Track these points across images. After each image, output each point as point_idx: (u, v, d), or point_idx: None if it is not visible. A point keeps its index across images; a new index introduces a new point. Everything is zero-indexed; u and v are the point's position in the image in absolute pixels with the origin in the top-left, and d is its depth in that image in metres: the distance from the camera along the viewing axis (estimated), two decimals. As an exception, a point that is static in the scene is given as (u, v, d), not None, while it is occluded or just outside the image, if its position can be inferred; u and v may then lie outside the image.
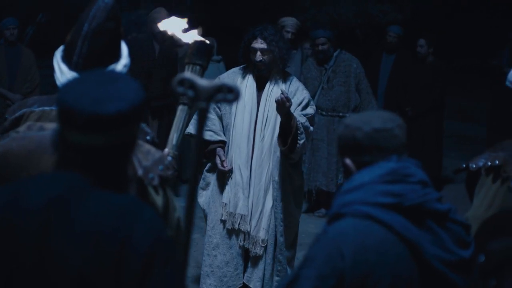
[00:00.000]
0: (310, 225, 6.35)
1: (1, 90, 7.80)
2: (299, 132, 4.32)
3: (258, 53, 4.42)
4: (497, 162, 2.97)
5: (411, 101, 7.93)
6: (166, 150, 2.67)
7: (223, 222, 4.53)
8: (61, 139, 1.81)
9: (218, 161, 4.51)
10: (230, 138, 4.51)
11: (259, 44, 4.42)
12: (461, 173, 3.05)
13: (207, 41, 2.91)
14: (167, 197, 2.28)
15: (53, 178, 1.83)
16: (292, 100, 4.29)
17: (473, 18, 12.61)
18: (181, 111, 2.80)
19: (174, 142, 2.76)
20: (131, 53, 2.46)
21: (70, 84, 1.85)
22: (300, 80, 6.79)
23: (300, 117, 4.39)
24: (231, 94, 1.89)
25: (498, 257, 2.01)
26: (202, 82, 1.90)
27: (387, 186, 2.10)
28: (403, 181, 2.12)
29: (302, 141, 4.35)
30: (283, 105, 4.16)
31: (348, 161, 2.22)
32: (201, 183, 4.65)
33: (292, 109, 4.34)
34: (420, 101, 7.88)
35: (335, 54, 7.05)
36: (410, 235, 2.07)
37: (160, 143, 2.65)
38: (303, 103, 4.50)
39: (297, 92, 4.52)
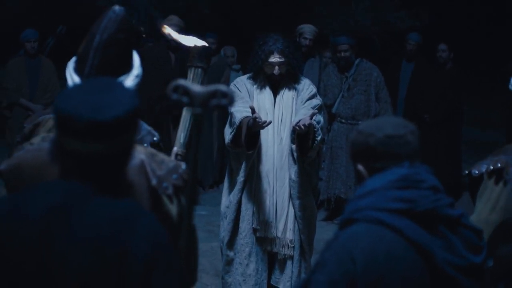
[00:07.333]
0: (328, 233, 6.33)
1: (22, 101, 7.86)
2: (315, 129, 4.36)
3: (277, 67, 4.44)
4: (499, 165, 2.96)
5: (429, 108, 7.90)
6: (175, 149, 2.71)
7: (255, 230, 4.56)
8: (59, 147, 1.84)
9: (255, 121, 4.21)
10: (258, 146, 4.52)
11: (277, 58, 4.43)
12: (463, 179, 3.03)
13: (207, 44, 2.95)
14: (182, 206, 2.29)
15: (52, 187, 1.85)
16: (301, 96, 4.46)
17: (490, 24, 12.55)
18: (186, 110, 2.84)
19: (181, 141, 2.81)
20: (148, 63, 2.49)
21: (67, 92, 1.87)
22: (319, 87, 6.84)
23: (309, 110, 4.39)
24: (225, 99, 1.91)
25: (506, 262, 2.01)
26: (196, 88, 1.92)
27: (398, 192, 2.11)
28: (415, 187, 2.12)
29: (319, 137, 4.39)
30: (303, 130, 4.20)
31: (360, 167, 2.23)
32: (234, 195, 4.60)
33: (300, 104, 4.46)
34: (438, 108, 7.86)
35: (356, 62, 7.05)
36: (421, 240, 2.08)
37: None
38: (310, 95, 4.55)
39: (304, 87, 4.58)
